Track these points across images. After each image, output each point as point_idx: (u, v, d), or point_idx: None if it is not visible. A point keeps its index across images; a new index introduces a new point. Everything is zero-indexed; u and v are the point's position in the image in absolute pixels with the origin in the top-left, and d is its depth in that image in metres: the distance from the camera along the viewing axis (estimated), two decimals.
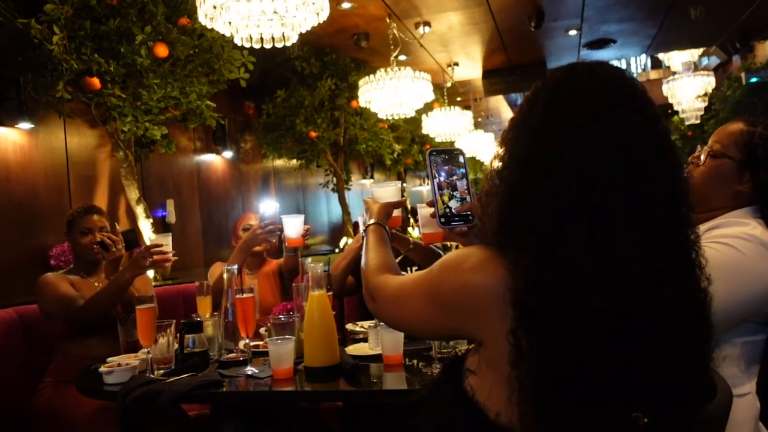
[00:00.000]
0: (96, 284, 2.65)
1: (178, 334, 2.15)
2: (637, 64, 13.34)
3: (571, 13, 6.21)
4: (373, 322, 2.33)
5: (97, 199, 4.34)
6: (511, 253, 0.89)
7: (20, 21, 3.32)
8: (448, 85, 8.01)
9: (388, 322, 1.17)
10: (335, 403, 2.60)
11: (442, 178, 1.40)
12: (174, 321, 2.12)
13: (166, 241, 2.52)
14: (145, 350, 2.08)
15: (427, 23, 6.12)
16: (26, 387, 2.55)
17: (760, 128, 1.54)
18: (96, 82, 3.59)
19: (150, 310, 2.08)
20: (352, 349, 2.17)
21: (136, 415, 1.84)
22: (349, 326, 2.59)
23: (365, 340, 2.32)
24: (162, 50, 3.70)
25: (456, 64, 7.69)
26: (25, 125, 3.73)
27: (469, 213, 1.38)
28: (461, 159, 1.44)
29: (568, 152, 0.87)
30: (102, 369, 2.02)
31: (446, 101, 7.99)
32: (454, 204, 1.39)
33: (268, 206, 2.44)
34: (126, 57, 3.59)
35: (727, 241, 1.39)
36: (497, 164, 0.98)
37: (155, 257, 2.47)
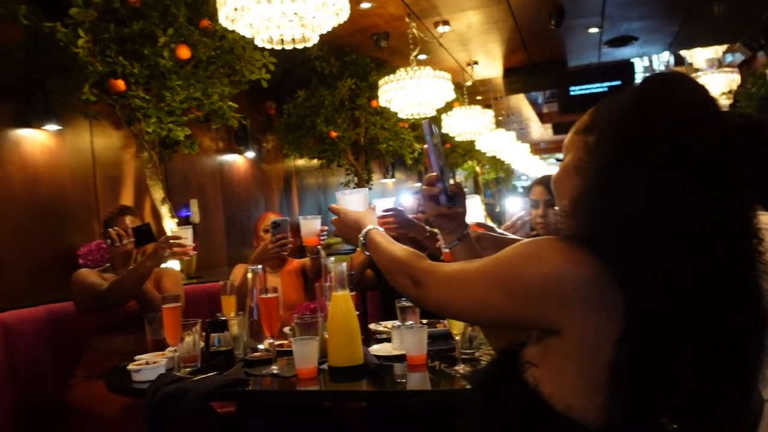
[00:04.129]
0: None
1: (203, 333, 2.18)
2: (659, 61, 13.21)
3: (591, 11, 6.17)
4: (397, 322, 2.34)
5: (123, 199, 4.40)
6: (620, 255, 0.88)
7: (46, 25, 3.38)
8: (468, 83, 7.99)
9: (435, 306, 1.13)
10: (359, 403, 2.61)
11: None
12: (200, 320, 2.14)
13: (186, 234, 2.56)
14: (172, 348, 2.12)
15: (446, 22, 6.12)
16: (57, 382, 2.61)
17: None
18: (120, 84, 3.64)
19: (176, 309, 2.11)
20: (376, 349, 2.18)
21: (165, 412, 1.87)
22: (372, 326, 2.60)
23: (389, 340, 2.33)
24: (184, 52, 3.74)
25: (475, 62, 7.67)
26: (52, 127, 3.79)
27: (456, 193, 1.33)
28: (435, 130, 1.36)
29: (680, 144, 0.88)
30: (130, 367, 2.06)
31: (466, 100, 7.97)
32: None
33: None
34: (149, 59, 3.64)
35: None
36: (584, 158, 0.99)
37: (174, 249, 2.51)
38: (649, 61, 13.30)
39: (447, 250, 1.38)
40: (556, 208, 1.14)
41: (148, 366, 2.05)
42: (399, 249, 1.30)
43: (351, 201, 1.65)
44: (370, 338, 2.46)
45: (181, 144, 4.18)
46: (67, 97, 3.65)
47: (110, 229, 2.72)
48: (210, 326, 2.18)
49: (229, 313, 2.44)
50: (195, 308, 2.94)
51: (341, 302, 1.93)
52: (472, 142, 8.91)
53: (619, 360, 0.86)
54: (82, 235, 3.85)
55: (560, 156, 1.19)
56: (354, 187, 7.43)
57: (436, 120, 7.31)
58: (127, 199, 4.45)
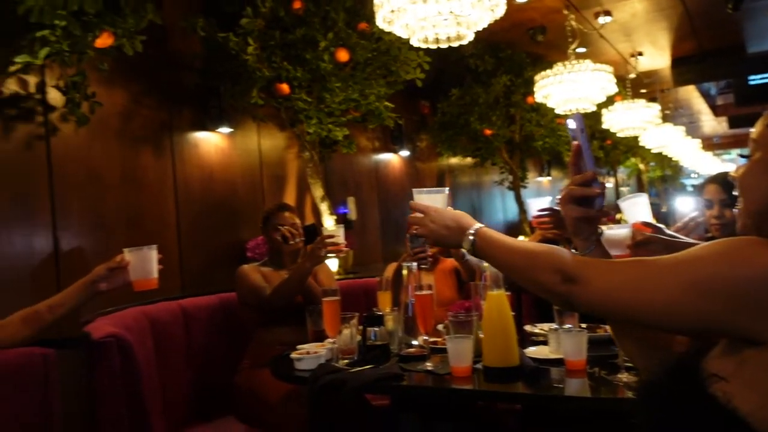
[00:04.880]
0: (284, 275, 2.85)
1: (360, 327, 2.25)
2: None
3: None
4: (554, 324, 2.26)
5: (287, 196, 4.65)
6: None
7: (220, 35, 3.66)
8: (632, 76, 7.55)
9: (595, 304, 1.03)
10: (512, 405, 2.56)
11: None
12: (357, 314, 2.21)
13: (339, 233, 2.64)
14: (331, 340, 2.20)
15: (607, 12, 5.83)
16: (227, 366, 2.82)
17: None
18: (285, 87, 3.87)
19: (335, 303, 2.19)
20: (532, 352, 2.12)
21: (324, 400, 1.95)
22: (528, 327, 2.54)
23: (545, 342, 2.26)
24: (343, 55, 3.89)
25: (640, 53, 7.23)
26: (225, 129, 4.10)
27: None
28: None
29: None
30: (293, 356, 2.17)
31: (629, 94, 7.54)
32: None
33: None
34: (311, 63, 3.83)
35: None
36: None
37: (329, 248, 2.60)
38: None
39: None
40: (737, 208, 1.03)
41: (309, 355, 2.15)
42: (532, 244, 1.20)
43: (431, 201, 1.55)
44: (525, 340, 2.40)
45: (339, 144, 4.34)
46: (238, 101, 3.93)
47: (282, 227, 2.86)
48: (366, 320, 2.23)
49: (385, 308, 2.49)
50: (351, 302, 3.04)
51: (497, 301, 1.89)
52: (635, 138, 8.42)
53: None
54: (251, 230, 4.12)
55: (743, 151, 1.07)
56: (508, 186, 7.31)
57: (595, 116, 7.00)
58: (290, 196, 4.70)
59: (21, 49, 2.42)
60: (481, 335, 1.96)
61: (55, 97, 3.01)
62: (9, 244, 2.80)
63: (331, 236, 2.60)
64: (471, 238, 1.32)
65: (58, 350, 1.77)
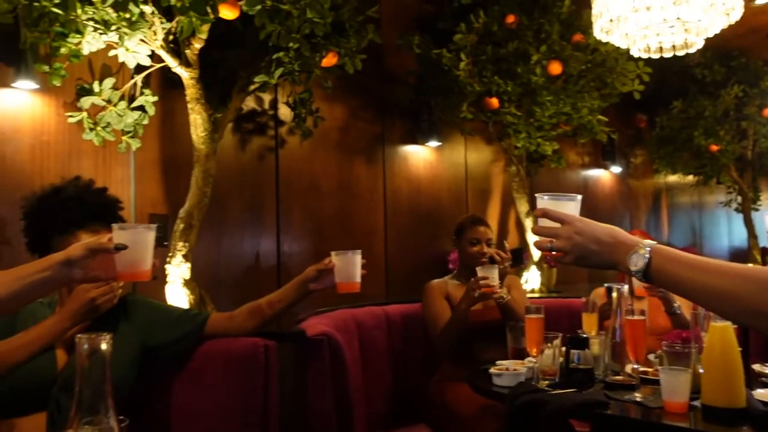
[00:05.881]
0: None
1: (563, 348, 2.17)
2: None
3: None
4: None
5: (490, 210, 4.65)
6: None
7: (434, 52, 3.79)
8: None
9: None
10: None
11: None
12: (560, 334, 2.13)
13: (492, 274, 2.53)
14: (532, 359, 2.15)
15: None
16: (424, 375, 2.87)
17: None
18: (495, 102, 3.89)
19: (538, 321, 2.14)
20: (762, 395, 1.89)
21: (522, 419, 1.91)
22: (757, 367, 2.26)
23: None
24: (556, 68, 3.82)
25: None
26: (434, 143, 4.21)
27: None
28: None
29: None
30: (492, 371, 2.15)
31: None
32: None
33: None
34: (522, 77, 3.81)
35: None
36: None
37: (483, 290, 2.51)
38: None
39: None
40: None
41: (508, 372, 2.12)
42: (743, 265, 1.02)
43: (562, 208, 1.30)
44: (753, 380, 2.14)
45: (547, 158, 4.26)
46: (448, 115, 4.03)
47: (491, 250, 2.81)
48: (571, 342, 2.15)
49: (590, 331, 2.37)
50: (552, 322, 2.94)
51: (721, 334, 1.72)
52: None
53: None
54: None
55: None
56: (737, 208, 6.59)
57: None
58: (494, 210, 4.69)
59: (260, 70, 2.72)
60: (701, 370, 1.79)
61: (284, 112, 3.33)
62: (241, 245, 3.14)
63: (485, 278, 2.52)
64: (646, 256, 1.11)
65: (278, 342, 1.93)
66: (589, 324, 2.42)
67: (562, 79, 3.90)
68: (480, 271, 2.53)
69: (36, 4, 2.11)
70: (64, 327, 1.62)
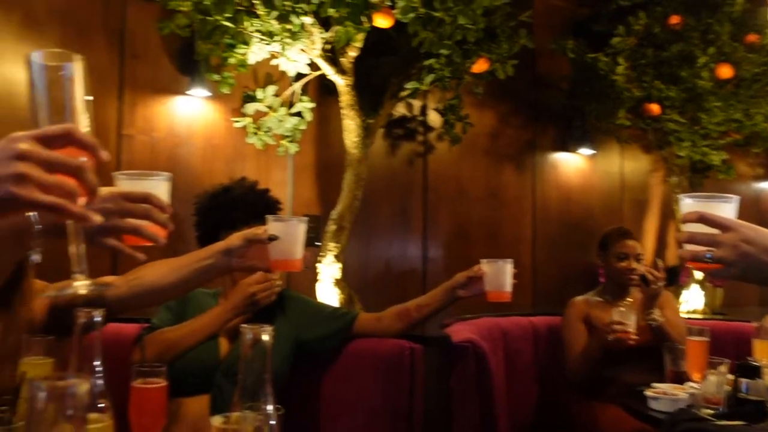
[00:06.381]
0: (621, 309, 2.58)
1: (731, 376, 1.99)
2: None
3: None
4: None
5: (647, 223, 4.40)
6: None
7: (589, 56, 3.66)
8: None
9: None
10: None
11: None
12: (728, 360, 1.96)
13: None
14: (693, 384, 2.00)
15: None
16: (569, 392, 2.74)
17: None
18: (655, 108, 3.68)
19: (703, 344, 2.01)
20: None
21: None
22: None
23: None
24: (726, 71, 3.56)
25: None
26: (586, 151, 4.05)
27: None
28: None
29: None
30: (648, 393, 2.02)
31: None
32: None
33: None
34: (686, 81, 3.59)
35: None
36: None
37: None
38: None
39: None
40: None
41: (666, 396, 1.99)
42: None
43: (720, 212, 1.10)
44: None
45: (714, 168, 3.95)
46: (602, 122, 3.86)
47: (642, 267, 2.63)
48: (739, 370, 1.97)
49: (763, 359, 2.16)
50: (716, 347, 2.72)
51: None
52: None
53: None
54: None
55: None
56: None
57: None
58: (651, 223, 4.43)
59: (411, 77, 2.76)
60: None
61: (434, 118, 3.36)
62: (389, 249, 3.21)
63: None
64: None
65: (423, 346, 1.94)
66: (762, 352, 2.20)
67: (732, 83, 3.62)
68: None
69: (209, 18, 2.29)
70: (227, 318, 1.75)
